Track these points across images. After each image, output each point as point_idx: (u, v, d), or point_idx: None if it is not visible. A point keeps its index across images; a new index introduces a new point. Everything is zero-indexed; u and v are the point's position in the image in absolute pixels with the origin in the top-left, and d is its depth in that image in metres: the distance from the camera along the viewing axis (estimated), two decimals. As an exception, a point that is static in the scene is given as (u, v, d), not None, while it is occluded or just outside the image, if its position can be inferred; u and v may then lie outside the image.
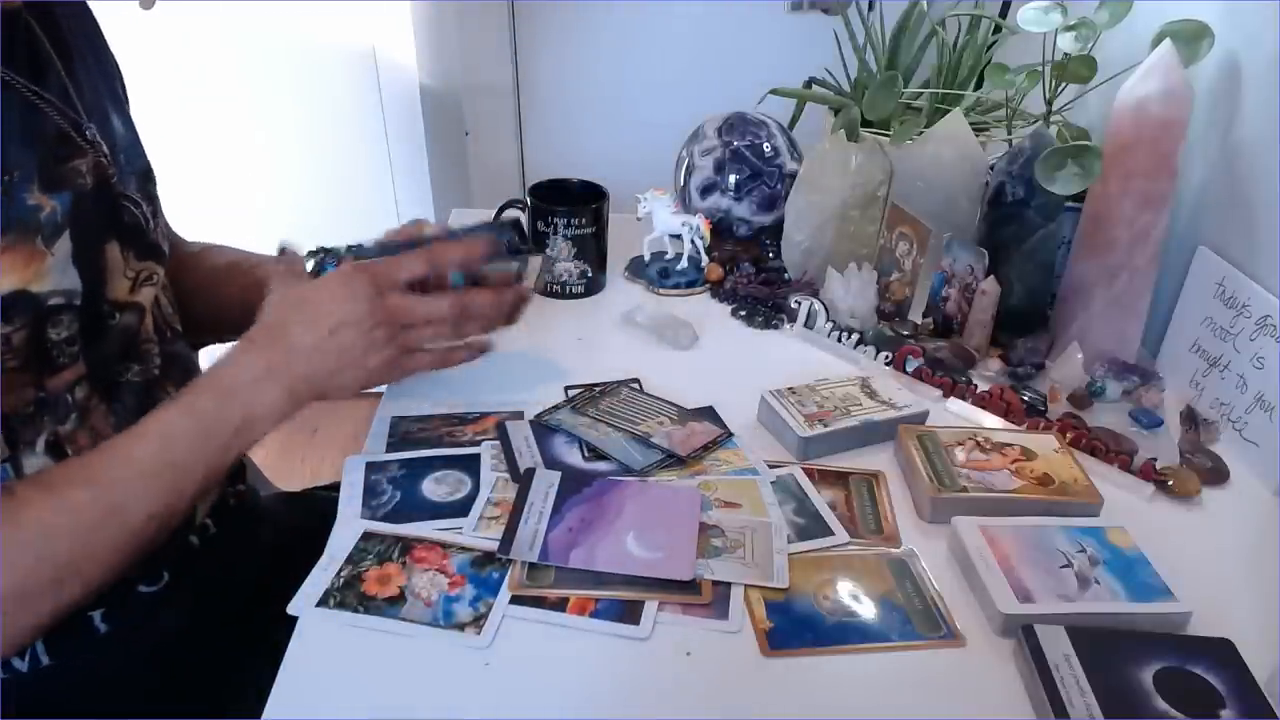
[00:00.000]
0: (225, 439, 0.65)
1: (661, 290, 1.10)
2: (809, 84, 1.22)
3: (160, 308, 0.78)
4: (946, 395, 0.90)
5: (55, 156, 0.64)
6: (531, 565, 0.66)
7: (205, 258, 0.91)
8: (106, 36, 0.78)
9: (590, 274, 1.07)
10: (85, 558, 0.60)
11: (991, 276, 0.93)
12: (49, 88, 0.65)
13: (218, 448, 0.65)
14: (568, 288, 1.07)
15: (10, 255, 0.59)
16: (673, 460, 0.78)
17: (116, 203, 0.70)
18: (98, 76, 0.73)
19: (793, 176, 1.10)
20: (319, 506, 0.80)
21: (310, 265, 0.77)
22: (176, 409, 0.64)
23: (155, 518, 0.63)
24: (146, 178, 0.76)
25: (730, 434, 0.82)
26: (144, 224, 0.73)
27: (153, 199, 0.77)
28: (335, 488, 0.76)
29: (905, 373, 0.93)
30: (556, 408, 0.84)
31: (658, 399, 0.87)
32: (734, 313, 1.06)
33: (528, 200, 1.07)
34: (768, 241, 1.15)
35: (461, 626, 0.62)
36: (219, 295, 0.88)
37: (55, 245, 0.62)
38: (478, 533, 0.70)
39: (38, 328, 0.62)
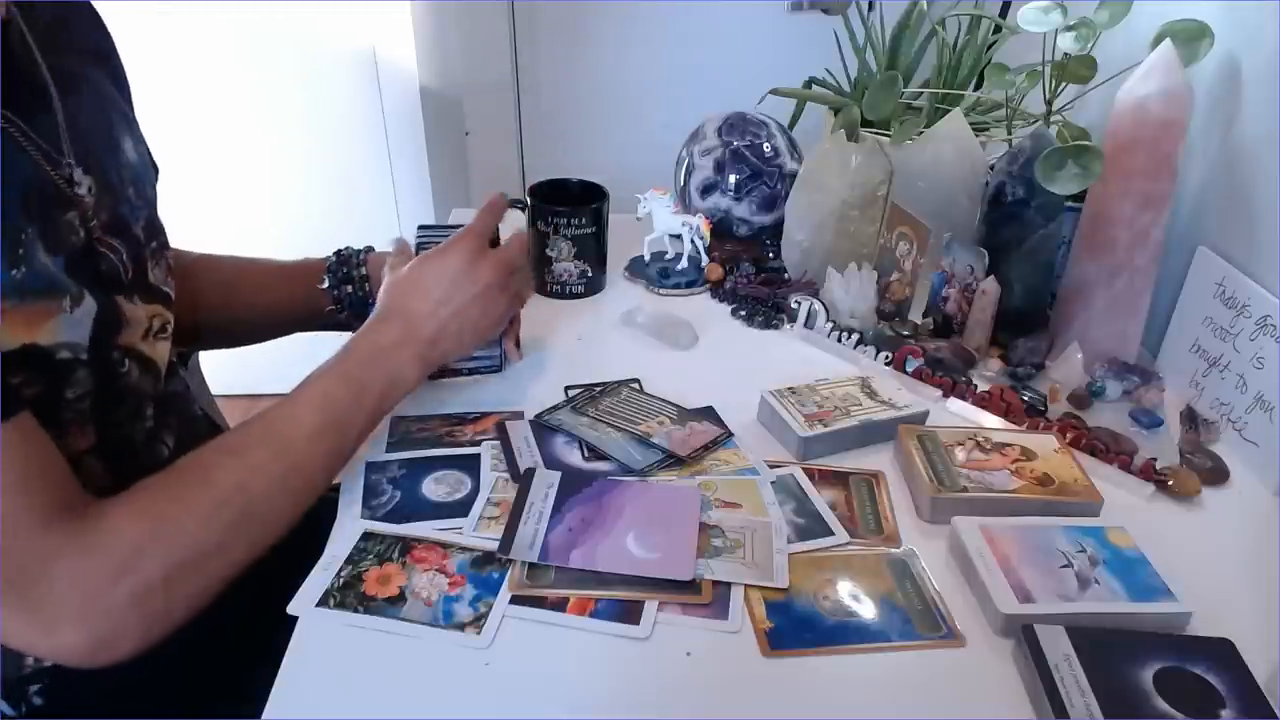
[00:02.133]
0: (374, 401, 0.71)
1: (661, 290, 1.10)
2: (809, 84, 1.22)
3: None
4: (946, 395, 0.90)
5: (50, 212, 0.61)
6: (531, 565, 0.66)
7: (208, 267, 0.91)
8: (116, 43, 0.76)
9: (590, 274, 1.07)
10: (274, 512, 0.64)
11: (991, 276, 0.93)
12: (40, 126, 0.62)
13: (369, 410, 0.71)
14: (568, 288, 1.07)
15: (20, 313, 0.57)
16: (673, 460, 0.78)
17: (93, 250, 0.66)
18: (103, 101, 0.71)
19: (793, 176, 1.10)
20: (319, 506, 0.80)
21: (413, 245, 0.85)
22: (330, 377, 0.70)
23: (326, 472, 0.68)
24: (153, 211, 0.75)
25: (730, 434, 0.82)
26: (122, 270, 0.69)
27: (162, 232, 0.76)
28: (335, 487, 0.76)
29: (905, 373, 0.93)
30: (556, 408, 0.85)
31: (658, 399, 0.87)
32: (734, 313, 1.06)
33: (528, 200, 1.07)
34: (768, 241, 1.15)
35: (461, 626, 0.62)
36: (232, 302, 0.90)
37: (65, 302, 0.61)
38: (478, 533, 0.70)
39: (54, 387, 0.61)
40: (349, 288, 0.91)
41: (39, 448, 0.56)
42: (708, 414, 0.85)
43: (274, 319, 0.95)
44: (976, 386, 0.90)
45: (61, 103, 0.64)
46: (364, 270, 0.91)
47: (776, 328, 1.03)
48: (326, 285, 0.91)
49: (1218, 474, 0.82)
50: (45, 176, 0.61)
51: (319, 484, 0.68)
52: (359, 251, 0.93)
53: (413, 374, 0.74)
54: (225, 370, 1.75)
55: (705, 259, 1.11)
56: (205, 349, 0.98)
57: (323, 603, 0.63)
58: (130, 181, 0.71)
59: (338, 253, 0.93)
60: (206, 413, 0.91)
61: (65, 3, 0.69)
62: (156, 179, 0.78)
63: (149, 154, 0.77)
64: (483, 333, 0.79)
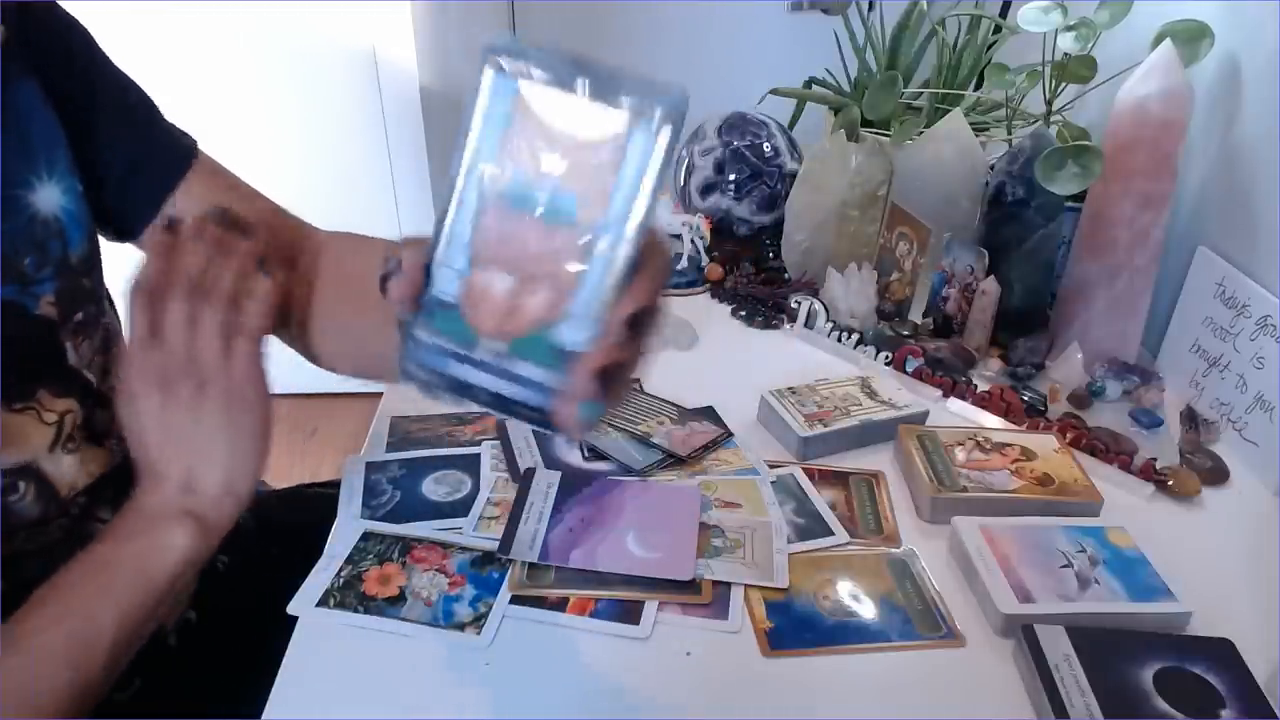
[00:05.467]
0: (132, 582, 0.54)
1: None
2: (809, 84, 1.22)
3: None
4: (946, 395, 0.90)
5: None
6: (531, 565, 0.66)
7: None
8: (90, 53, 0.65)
9: (590, 274, 1.07)
10: None
11: (991, 276, 0.93)
12: None
13: (125, 596, 0.54)
14: (568, 288, 1.07)
15: None
16: (672, 460, 0.78)
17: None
18: (19, 139, 0.57)
19: (793, 176, 1.10)
20: (319, 506, 0.79)
21: None
22: (70, 565, 0.54)
23: (70, 698, 0.52)
24: (76, 266, 0.60)
25: (730, 434, 0.82)
26: (39, 351, 0.58)
27: (90, 299, 0.62)
28: (332, 485, 0.75)
29: (905, 373, 0.93)
30: (556, 408, 0.84)
31: (657, 399, 0.87)
32: (734, 313, 1.06)
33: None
34: (768, 241, 1.15)
35: (461, 626, 0.62)
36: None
37: None
38: (478, 533, 0.70)
39: None
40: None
41: None
42: (708, 414, 0.85)
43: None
44: (976, 386, 0.90)
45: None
46: None
47: (776, 328, 1.03)
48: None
49: (1218, 474, 0.82)
50: None
51: (59, 710, 0.51)
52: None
53: (183, 544, 0.55)
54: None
55: (705, 259, 1.11)
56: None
57: (323, 603, 0.63)
58: (30, 248, 0.57)
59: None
60: None
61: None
62: (187, 158, 0.67)
63: (170, 129, 0.67)
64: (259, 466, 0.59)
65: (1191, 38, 0.87)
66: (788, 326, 1.03)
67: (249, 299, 0.54)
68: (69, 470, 0.61)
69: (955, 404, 0.89)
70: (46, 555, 0.59)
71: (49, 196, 0.59)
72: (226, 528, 0.57)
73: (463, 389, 0.41)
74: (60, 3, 0.64)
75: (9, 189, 0.56)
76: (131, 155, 0.66)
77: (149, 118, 0.69)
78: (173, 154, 0.69)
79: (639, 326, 0.40)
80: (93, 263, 0.63)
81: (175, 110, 0.72)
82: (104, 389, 0.64)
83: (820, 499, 0.75)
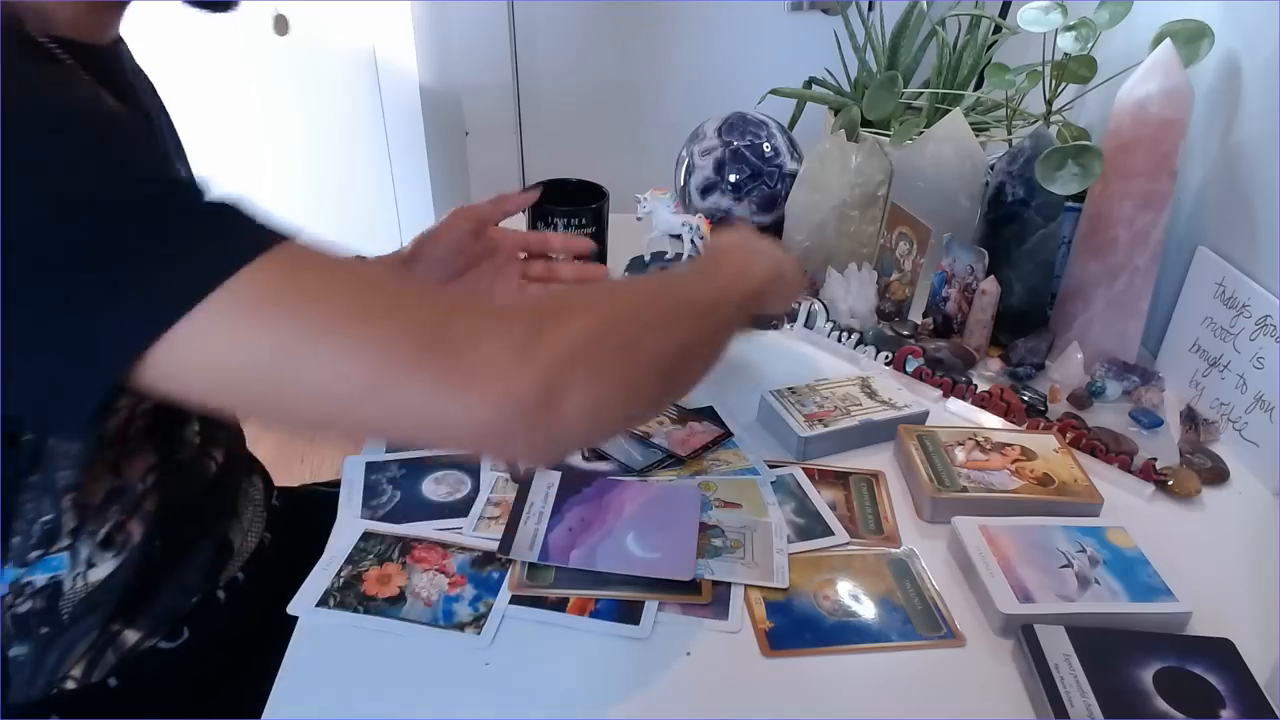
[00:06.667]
0: (726, 281, 0.65)
1: (661, 290, 1.09)
2: (809, 84, 1.22)
3: None
4: (946, 395, 0.90)
5: None
6: (531, 565, 0.66)
7: None
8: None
9: (590, 274, 1.07)
10: (692, 327, 0.57)
11: (991, 276, 0.93)
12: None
13: (724, 287, 0.64)
14: (568, 288, 1.07)
15: None
16: (672, 460, 0.78)
17: None
18: (166, 121, 0.72)
19: (793, 176, 1.10)
20: (319, 505, 0.79)
21: None
22: (663, 275, 0.70)
23: (719, 319, 0.61)
24: None
25: (730, 434, 0.82)
26: None
27: None
28: (333, 485, 0.75)
29: (905, 373, 0.93)
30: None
31: (658, 399, 0.87)
32: (734, 313, 1.06)
33: (528, 200, 1.06)
34: (768, 241, 1.15)
35: (461, 626, 0.62)
36: None
37: None
38: (478, 533, 0.70)
39: (131, 405, 0.60)
40: None
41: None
42: (708, 414, 0.85)
43: None
44: (976, 386, 0.90)
45: (159, 121, 0.67)
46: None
47: (776, 328, 1.03)
48: None
49: (1218, 474, 0.82)
50: None
51: (723, 322, 0.61)
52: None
53: (759, 269, 0.69)
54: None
55: (705, 259, 1.11)
56: None
57: (323, 603, 0.63)
58: None
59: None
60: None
61: None
62: None
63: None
64: (791, 300, 0.80)
65: (1191, 38, 0.87)
66: (788, 326, 1.03)
67: None
68: None
69: (955, 404, 0.89)
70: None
71: (183, 171, 0.70)
72: (767, 307, 0.71)
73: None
74: None
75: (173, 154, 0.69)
76: None
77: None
78: None
79: None
80: None
81: (174, 111, 0.73)
82: None
83: (820, 499, 0.75)
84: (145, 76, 0.71)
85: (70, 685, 0.63)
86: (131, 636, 0.65)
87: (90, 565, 0.61)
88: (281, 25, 0.74)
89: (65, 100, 0.45)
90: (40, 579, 0.59)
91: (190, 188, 0.45)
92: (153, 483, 0.64)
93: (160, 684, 0.68)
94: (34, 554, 0.59)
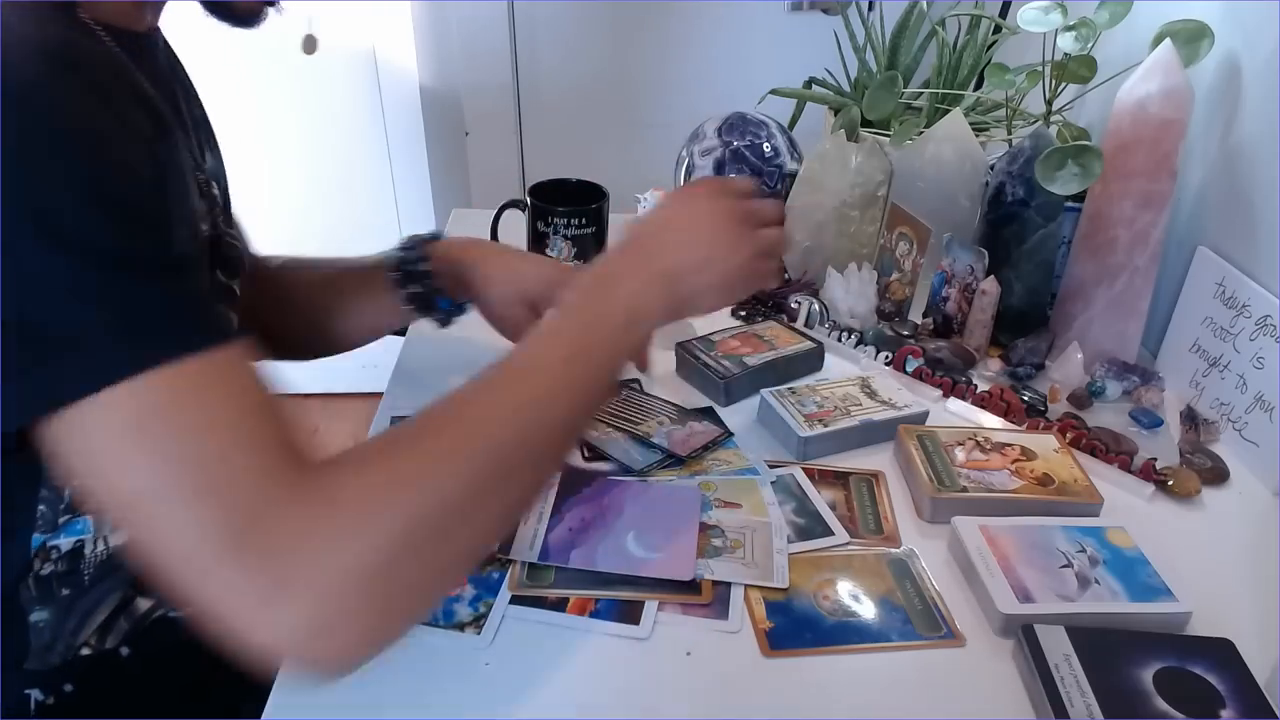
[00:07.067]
0: (612, 332, 0.60)
1: (661, 290, 1.09)
2: (809, 84, 1.22)
3: None
4: (946, 395, 0.90)
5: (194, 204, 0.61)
6: (531, 565, 0.66)
7: (293, 271, 0.88)
8: None
9: (590, 274, 1.07)
10: (529, 454, 0.54)
11: (991, 276, 0.93)
12: (181, 126, 0.64)
13: (609, 339, 0.60)
14: (568, 288, 1.07)
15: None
16: (672, 460, 0.78)
17: (222, 240, 0.68)
18: (198, 108, 0.74)
19: (793, 176, 1.10)
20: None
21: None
22: (552, 317, 0.61)
23: (582, 403, 0.58)
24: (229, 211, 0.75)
25: (730, 434, 0.82)
26: (240, 252, 0.72)
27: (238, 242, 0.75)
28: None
29: (905, 373, 0.93)
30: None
31: (658, 399, 0.87)
32: (734, 313, 1.06)
33: (528, 200, 1.07)
34: (768, 241, 1.15)
35: (461, 626, 0.62)
36: (316, 308, 0.86)
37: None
38: (478, 533, 0.70)
39: None
40: (414, 287, 0.84)
41: (257, 382, 0.49)
42: (708, 414, 0.85)
43: (364, 331, 0.90)
44: (976, 386, 0.90)
45: (188, 109, 0.67)
46: (426, 266, 0.83)
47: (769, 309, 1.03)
48: (394, 287, 0.84)
49: (1218, 474, 0.82)
50: (194, 177, 0.62)
51: (575, 419, 0.58)
52: (421, 240, 0.85)
53: (656, 302, 0.62)
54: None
55: (705, 259, 1.10)
56: (290, 359, 0.88)
57: (323, 603, 0.63)
58: (225, 200, 0.72)
59: (401, 246, 0.85)
60: None
61: None
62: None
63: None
64: (731, 295, 0.68)
65: (1191, 38, 0.87)
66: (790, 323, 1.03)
67: None
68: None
69: (955, 404, 0.89)
70: None
71: (213, 168, 0.72)
72: (673, 316, 0.64)
73: None
74: None
75: (202, 142, 0.70)
76: None
77: None
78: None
79: None
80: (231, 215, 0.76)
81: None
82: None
83: (820, 499, 0.75)
84: (180, 66, 0.73)
85: (85, 652, 0.65)
86: (143, 604, 0.66)
87: (112, 528, 0.62)
88: (310, 45, 0.74)
89: (80, 115, 0.45)
90: (66, 543, 0.61)
91: (140, 261, 0.45)
92: None
93: (170, 654, 0.69)
94: (64, 519, 0.60)
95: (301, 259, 0.90)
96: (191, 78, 0.75)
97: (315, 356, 0.90)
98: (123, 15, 0.57)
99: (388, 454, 0.50)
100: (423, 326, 0.87)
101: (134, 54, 0.55)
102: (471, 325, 0.86)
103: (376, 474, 0.49)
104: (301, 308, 0.87)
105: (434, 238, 0.85)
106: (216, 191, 0.69)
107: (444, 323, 0.86)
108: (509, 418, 0.53)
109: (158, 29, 0.64)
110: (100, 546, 0.63)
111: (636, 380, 0.90)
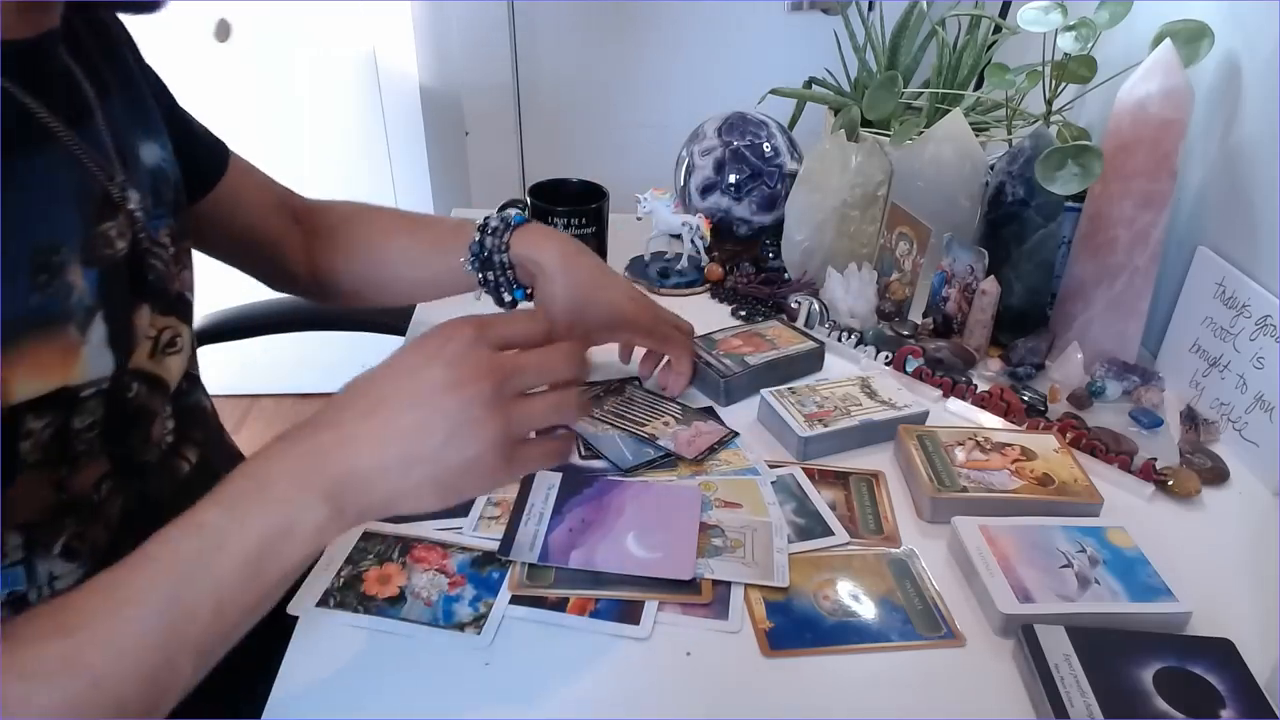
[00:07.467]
0: (237, 563, 0.47)
1: (662, 290, 1.10)
2: (809, 84, 1.22)
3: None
4: (946, 395, 0.90)
5: (94, 223, 0.57)
6: (531, 565, 0.66)
7: (353, 233, 0.89)
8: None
9: (590, 274, 1.07)
10: None
11: (991, 276, 0.93)
12: (86, 134, 0.58)
13: (230, 574, 0.46)
14: (568, 288, 1.07)
15: (47, 352, 0.53)
16: (664, 459, 0.77)
17: (144, 261, 0.63)
18: (129, 101, 0.67)
19: (793, 176, 1.10)
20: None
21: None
22: (187, 515, 0.48)
23: (142, 690, 0.45)
24: (177, 208, 0.70)
25: (735, 433, 0.82)
26: (166, 278, 0.66)
27: (185, 233, 0.71)
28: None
29: (905, 373, 0.93)
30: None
31: (661, 396, 0.87)
32: (734, 313, 1.06)
33: (528, 200, 1.07)
34: (768, 241, 1.15)
35: (461, 626, 0.62)
36: (380, 273, 0.88)
37: (89, 331, 0.56)
38: (478, 533, 0.70)
39: (64, 420, 0.56)
40: (490, 274, 0.83)
41: None
42: (708, 414, 0.85)
43: (422, 292, 0.94)
44: (976, 386, 0.90)
45: (102, 112, 0.61)
46: (505, 256, 0.81)
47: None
48: (470, 268, 0.83)
49: (1218, 474, 0.82)
50: (98, 188, 0.58)
51: (131, 702, 0.44)
52: (504, 227, 0.81)
53: (314, 527, 0.48)
54: (225, 370, 1.75)
55: (705, 259, 1.11)
56: (330, 304, 0.94)
57: (323, 603, 0.63)
58: (149, 191, 0.65)
59: (482, 227, 0.82)
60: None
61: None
62: (179, 185, 0.72)
63: (172, 158, 0.71)
64: (449, 495, 0.52)
65: (1191, 38, 0.87)
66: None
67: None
68: (169, 369, 0.67)
69: (955, 404, 0.89)
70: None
71: (151, 151, 0.67)
72: (351, 526, 0.50)
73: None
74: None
75: (131, 137, 0.65)
76: (188, 144, 0.76)
77: (189, 118, 0.80)
78: (216, 148, 0.82)
79: None
80: (182, 207, 0.71)
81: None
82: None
83: (820, 499, 0.75)
84: (116, 54, 0.67)
85: None
86: None
87: (54, 578, 0.59)
88: (223, 31, 0.73)
89: None
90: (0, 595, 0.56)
91: None
92: (109, 490, 0.62)
93: None
94: None
95: (381, 208, 0.91)
96: (136, 67, 0.70)
97: (369, 305, 0.93)
98: (5, 27, 0.52)
99: None
100: (423, 325, 0.87)
101: (20, 70, 0.52)
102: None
103: None
104: (373, 255, 0.88)
105: (520, 221, 0.82)
106: (135, 205, 0.62)
107: (510, 306, 0.85)
108: (32, 693, 0.42)
109: (56, 30, 0.58)
110: (46, 593, 0.58)
111: (636, 379, 0.90)
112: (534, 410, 0.54)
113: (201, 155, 0.80)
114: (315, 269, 0.89)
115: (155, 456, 0.67)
